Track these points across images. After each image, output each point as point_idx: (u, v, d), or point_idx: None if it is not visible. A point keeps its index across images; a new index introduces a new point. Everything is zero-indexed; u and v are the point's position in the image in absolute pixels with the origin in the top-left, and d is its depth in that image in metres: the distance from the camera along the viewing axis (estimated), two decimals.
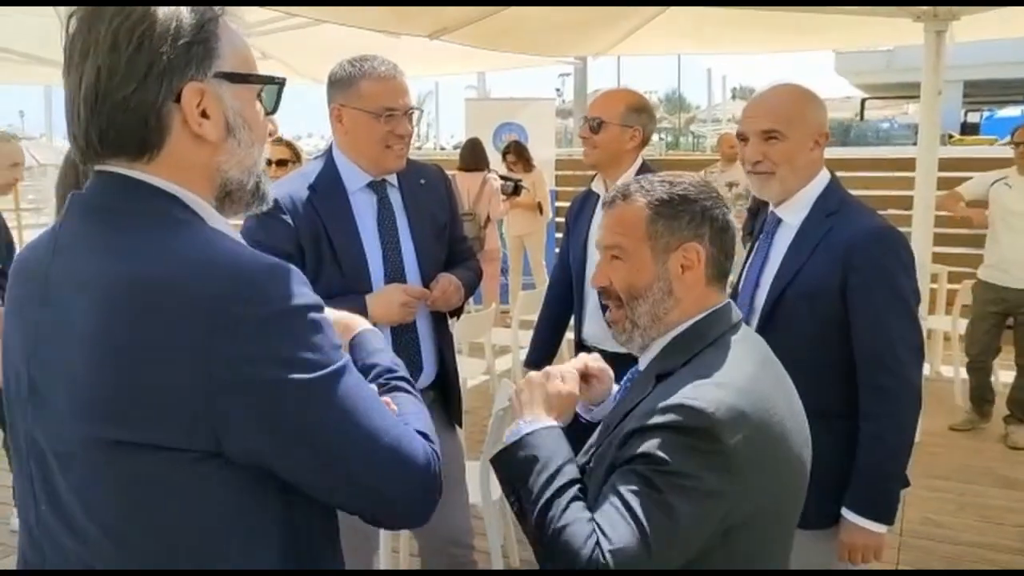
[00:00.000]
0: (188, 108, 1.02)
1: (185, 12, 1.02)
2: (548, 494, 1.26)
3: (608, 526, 1.22)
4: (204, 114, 1.03)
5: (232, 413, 0.95)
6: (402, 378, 1.27)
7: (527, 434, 1.33)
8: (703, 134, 34.10)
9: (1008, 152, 5.05)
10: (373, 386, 1.14)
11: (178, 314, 0.94)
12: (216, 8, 1.06)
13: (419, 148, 19.35)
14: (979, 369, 4.97)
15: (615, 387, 1.58)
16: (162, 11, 1.01)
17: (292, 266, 1.03)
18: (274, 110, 1.14)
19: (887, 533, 3.45)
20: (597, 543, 1.21)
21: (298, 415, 0.98)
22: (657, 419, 1.25)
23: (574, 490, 1.28)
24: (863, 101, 30.84)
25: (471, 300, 7.37)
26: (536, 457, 1.30)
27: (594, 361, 1.55)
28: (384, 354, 1.31)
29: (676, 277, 1.39)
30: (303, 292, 1.02)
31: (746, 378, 1.31)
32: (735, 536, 1.27)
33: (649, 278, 1.39)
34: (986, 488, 4.30)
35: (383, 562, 3.07)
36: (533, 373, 1.45)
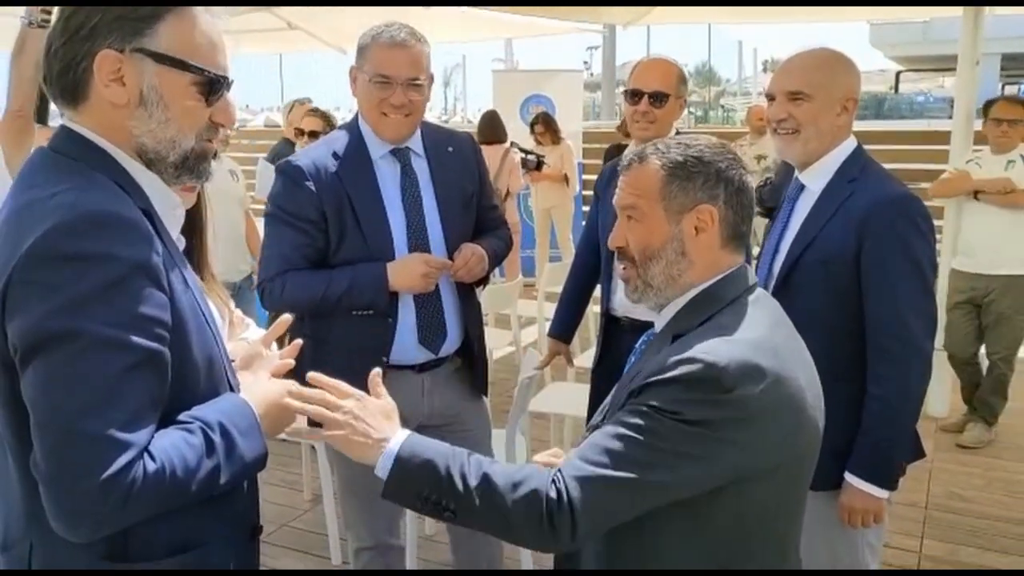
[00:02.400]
0: (98, 70, 1.16)
1: None
2: (472, 474, 1.28)
3: (584, 459, 1.26)
4: (121, 81, 1.17)
5: (8, 325, 1.08)
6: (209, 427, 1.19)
7: (401, 449, 1.32)
8: (733, 107, 33.66)
9: None
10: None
11: (14, 239, 1.10)
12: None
13: (446, 121, 19.34)
14: (963, 365, 4.59)
15: None
16: None
17: (136, 221, 1.13)
18: (210, 101, 1.24)
19: (912, 507, 3.47)
20: (553, 478, 1.26)
21: (29, 355, 1.07)
22: (668, 372, 1.27)
23: (478, 458, 1.32)
24: (898, 74, 30.26)
25: (496, 273, 7.44)
26: (430, 459, 1.31)
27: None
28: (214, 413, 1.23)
29: (690, 238, 1.40)
30: (124, 248, 1.09)
31: (759, 336, 1.32)
32: (749, 488, 1.29)
33: (663, 239, 1.40)
34: (1013, 463, 4.27)
35: (409, 527, 3.12)
36: (346, 402, 1.37)
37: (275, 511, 3.70)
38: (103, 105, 1.19)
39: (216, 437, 1.17)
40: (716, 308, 1.38)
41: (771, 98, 2.05)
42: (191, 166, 1.26)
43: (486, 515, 1.29)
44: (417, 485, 1.31)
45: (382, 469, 1.33)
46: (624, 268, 1.46)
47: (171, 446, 1.11)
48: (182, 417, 1.17)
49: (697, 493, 1.28)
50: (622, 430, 1.27)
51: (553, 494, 1.25)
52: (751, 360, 1.26)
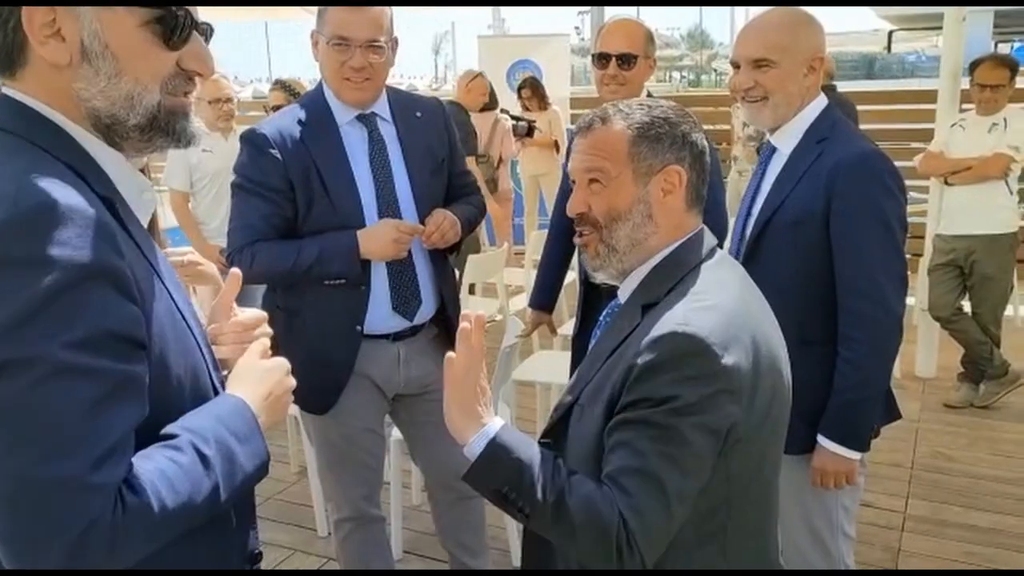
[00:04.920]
0: (30, 25, 0.96)
1: None
2: (553, 487, 1.25)
3: (629, 487, 1.23)
4: (59, 35, 0.98)
5: None
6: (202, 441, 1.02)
7: (492, 440, 1.30)
8: (726, 71, 33.41)
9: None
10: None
11: None
12: None
13: (436, 89, 19.15)
14: (946, 323, 4.49)
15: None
16: None
17: (94, 214, 0.93)
18: (172, 43, 1.04)
19: (897, 468, 3.49)
20: (619, 512, 1.22)
21: None
22: (654, 352, 1.24)
23: (564, 468, 1.29)
24: (890, 33, 30.01)
25: (485, 241, 7.39)
26: (518, 459, 1.28)
27: None
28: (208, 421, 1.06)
29: (657, 201, 1.37)
30: (81, 249, 0.90)
31: (732, 300, 1.31)
32: (733, 452, 1.28)
33: (630, 201, 1.37)
34: (999, 423, 4.28)
35: (393, 498, 3.12)
36: (458, 368, 1.33)
37: (262, 484, 3.62)
38: (43, 68, 0.99)
39: (210, 451, 1.00)
40: (682, 273, 1.36)
41: (736, 66, 2.01)
42: (162, 125, 1.06)
43: (556, 531, 1.27)
44: (499, 479, 1.28)
45: (471, 450, 1.30)
46: (584, 234, 1.43)
47: (156, 471, 0.94)
48: (169, 430, 1.00)
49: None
50: (644, 446, 1.23)
51: (623, 536, 1.22)
52: (730, 326, 1.25)
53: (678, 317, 1.26)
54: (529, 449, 1.30)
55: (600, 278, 1.46)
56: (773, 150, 2.06)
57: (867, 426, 1.95)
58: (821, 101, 2.00)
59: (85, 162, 1.01)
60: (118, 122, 1.04)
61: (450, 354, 1.34)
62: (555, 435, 1.42)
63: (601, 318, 1.54)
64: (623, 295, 1.45)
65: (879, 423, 2.03)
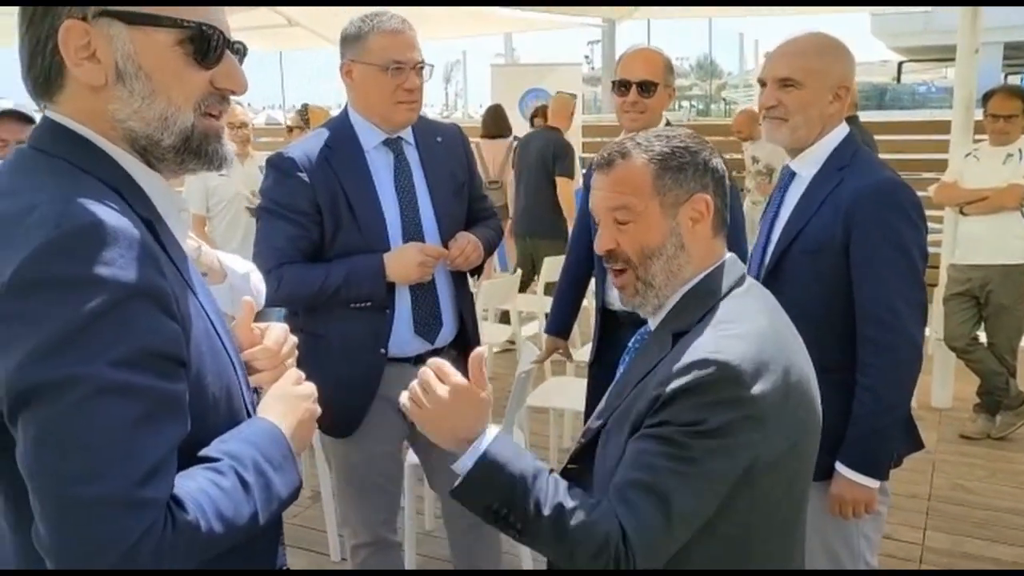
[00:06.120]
0: (65, 47, 0.98)
1: None
2: (547, 502, 1.23)
3: (633, 499, 1.22)
4: (94, 56, 0.99)
5: None
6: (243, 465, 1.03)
7: (484, 455, 1.26)
8: (735, 100, 33.58)
9: None
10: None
11: None
12: None
13: (447, 116, 19.30)
14: (962, 353, 4.44)
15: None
16: None
17: (138, 234, 0.94)
18: (205, 62, 1.05)
19: (914, 499, 3.45)
20: (618, 524, 1.22)
21: (17, 408, 0.88)
22: (684, 379, 1.23)
23: (561, 483, 1.27)
24: (900, 64, 30.13)
25: (497, 266, 7.40)
26: (511, 474, 1.25)
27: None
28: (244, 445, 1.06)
29: (687, 231, 1.37)
30: (126, 269, 0.91)
31: (761, 327, 1.31)
32: (760, 480, 1.27)
33: (662, 235, 1.36)
34: (1017, 454, 4.23)
35: (407, 523, 3.10)
36: (440, 392, 1.31)
37: None
38: (81, 91, 1.01)
39: (250, 477, 1.00)
40: (713, 301, 1.35)
41: (763, 84, 2.03)
42: (196, 148, 1.06)
43: (551, 546, 1.26)
44: (490, 496, 1.26)
45: (462, 467, 1.27)
46: (618, 274, 1.41)
47: (200, 492, 0.95)
48: (209, 453, 1.01)
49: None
50: (656, 462, 1.23)
51: (621, 549, 1.21)
52: (761, 354, 1.25)
53: (709, 345, 1.26)
54: (522, 462, 1.27)
55: (640, 312, 1.46)
56: (792, 175, 2.07)
57: (886, 454, 1.93)
58: (843, 129, 2.01)
59: (125, 183, 1.03)
60: (153, 143, 1.05)
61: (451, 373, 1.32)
62: (582, 460, 1.42)
63: (631, 343, 1.54)
64: (653, 322, 1.45)
65: (901, 452, 2.01)
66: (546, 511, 1.23)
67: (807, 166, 2.02)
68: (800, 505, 1.40)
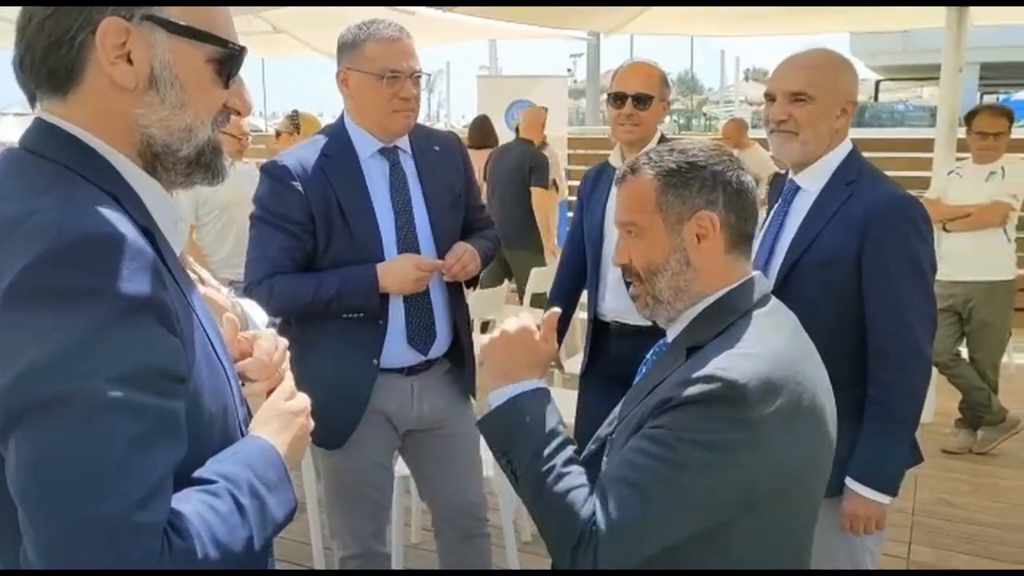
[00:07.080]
0: (103, 44, 0.96)
1: None
2: (542, 460, 1.28)
3: (612, 491, 1.23)
4: (128, 58, 0.98)
5: None
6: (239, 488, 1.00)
7: (515, 397, 1.35)
8: (716, 116, 33.87)
9: (1020, 133, 4.82)
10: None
11: None
12: None
13: (431, 126, 19.28)
14: (952, 376, 4.48)
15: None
16: None
17: (138, 244, 0.91)
18: (227, 81, 1.07)
19: (899, 513, 3.45)
20: (593, 510, 1.22)
21: (11, 425, 0.84)
22: (689, 390, 1.23)
23: (567, 453, 1.30)
24: (877, 83, 30.54)
25: (482, 276, 7.38)
26: (526, 423, 1.31)
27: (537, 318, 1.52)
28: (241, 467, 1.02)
29: (692, 247, 1.36)
30: (127, 281, 0.87)
31: (777, 350, 1.29)
32: (762, 507, 1.26)
33: (665, 252, 1.37)
34: (999, 469, 4.27)
35: (395, 535, 3.07)
36: (509, 326, 1.43)
37: None
38: (102, 90, 0.97)
39: (245, 500, 0.97)
40: (731, 319, 1.34)
41: (771, 98, 2.02)
42: (206, 162, 1.07)
43: (534, 505, 1.31)
44: (506, 440, 1.34)
45: (493, 400, 1.36)
46: (632, 285, 1.44)
47: (196, 516, 0.90)
48: (204, 474, 0.97)
49: (710, 523, 1.25)
50: (643, 460, 1.23)
51: (586, 535, 1.22)
52: (770, 376, 1.23)
53: (720, 362, 1.24)
54: (546, 421, 1.33)
55: (629, 313, 1.48)
56: (796, 189, 2.06)
57: (897, 469, 1.93)
58: (847, 144, 2.02)
59: (124, 191, 1.00)
60: (170, 152, 1.03)
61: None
62: (590, 467, 1.41)
63: (648, 355, 1.53)
64: (670, 336, 1.45)
65: (907, 466, 2.01)
66: (540, 468, 1.28)
67: (813, 180, 2.02)
68: (807, 527, 1.39)
